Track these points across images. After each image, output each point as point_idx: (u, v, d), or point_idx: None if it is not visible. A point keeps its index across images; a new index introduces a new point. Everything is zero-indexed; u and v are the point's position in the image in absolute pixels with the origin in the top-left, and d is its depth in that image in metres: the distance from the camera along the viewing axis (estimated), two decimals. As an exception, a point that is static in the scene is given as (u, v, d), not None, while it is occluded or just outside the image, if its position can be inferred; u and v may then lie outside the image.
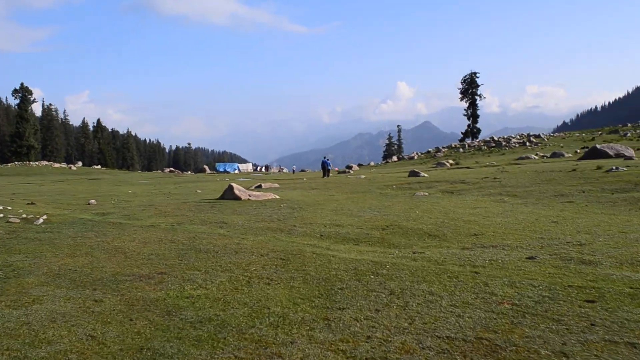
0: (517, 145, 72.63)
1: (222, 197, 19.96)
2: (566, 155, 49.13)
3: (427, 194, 20.28)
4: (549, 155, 52.27)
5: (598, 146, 39.91)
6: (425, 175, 31.02)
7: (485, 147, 76.84)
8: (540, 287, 6.30)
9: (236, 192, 19.35)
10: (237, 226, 11.99)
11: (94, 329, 5.06)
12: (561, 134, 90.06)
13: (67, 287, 6.69)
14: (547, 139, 77.07)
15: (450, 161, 57.24)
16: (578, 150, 52.65)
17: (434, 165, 53.47)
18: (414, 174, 31.55)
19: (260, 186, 28.24)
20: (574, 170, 24.91)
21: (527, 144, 72.66)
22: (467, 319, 5.26)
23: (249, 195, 19.44)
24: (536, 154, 54.36)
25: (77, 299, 6.13)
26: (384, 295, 6.16)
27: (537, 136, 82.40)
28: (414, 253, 8.58)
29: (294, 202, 18.05)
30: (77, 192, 30.86)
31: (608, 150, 38.17)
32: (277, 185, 29.04)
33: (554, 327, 4.95)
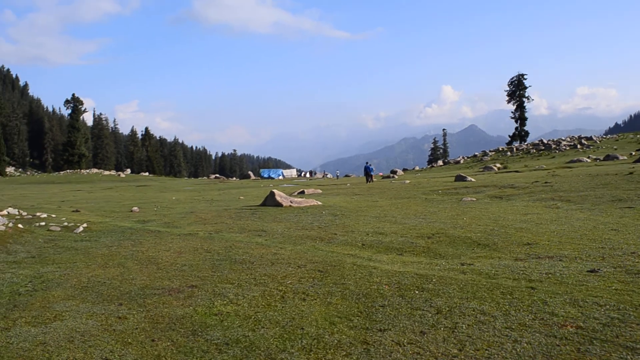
0: (567, 148, 70.21)
1: (263, 204, 19.64)
2: (620, 157, 46.97)
3: (474, 199, 19.43)
4: (602, 158, 50.14)
5: (657, 148, 37.89)
6: (472, 179, 30.03)
7: (534, 150, 74.58)
8: (607, 307, 5.57)
9: (277, 198, 18.99)
10: (276, 234, 11.58)
11: (112, 351, 4.69)
12: (614, 135, 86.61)
13: (93, 301, 6.39)
14: (600, 141, 74.14)
15: (498, 165, 55.66)
16: (633, 153, 50.41)
17: (481, 169, 52.06)
18: (460, 178, 30.59)
19: (302, 192, 27.88)
20: (630, 173, 23.53)
21: (578, 146, 70.14)
22: (525, 345, 4.63)
23: (291, 202, 19.05)
24: (588, 157, 52.29)
25: (100, 315, 5.80)
26: (430, 315, 5.57)
27: (589, 138, 79.42)
28: (462, 265, 7.94)
29: (336, 208, 17.55)
30: (123, 199, 31.21)
31: (668, 152, 36.20)
32: (319, 191, 28.61)
33: (629, 357, 4.27)
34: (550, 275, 7.04)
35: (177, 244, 10.60)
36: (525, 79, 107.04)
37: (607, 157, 48.35)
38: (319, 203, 19.45)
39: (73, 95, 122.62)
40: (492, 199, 19.31)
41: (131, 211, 19.32)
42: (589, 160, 48.71)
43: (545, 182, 23.38)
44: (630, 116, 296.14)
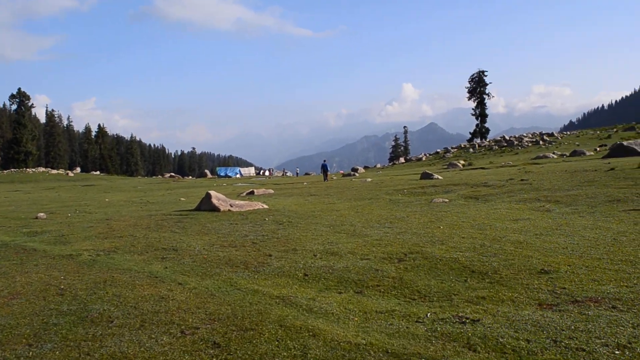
0: (529, 145, 69.05)
1: (198, 208, 16.43)
2: (587, 153, 45.47)
3: (447, 200, 16.62)
4: (568, 153, 48.63)
5: (625, 143, 36.24)
6: (439, 177, 27.39)
7: (497, 147, 73.24)
8: None
9: (214, 201, 15.80)
10: (187, 256, 8.38)
11: None
12: (575, 132, 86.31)
13: None
14: (561, 138, 73.43)
15: (462, 162, 53.56)
16: (598, 149, 49.36)
17: (445, 166, 49.87)
18: (426, 176, 27.90)
19: (252, 192, 24.75)
20: (612, 169, 21.23)
21: (541, 142, 69.14)
22: None
23: (230, 206, 15.88)
24: (553, 153, 50.68)
25: None
26: None
27: (550, 134, 78.68)
28: (461, 321, 4.86)
29: (283, 213, 14.51)
30: (52, 201, 27.55)
31: (637, 148, 34.50)
32: (271, 191, 25.48)
33: None
34: (625, 348, 4.08)
35: (32, 275, 7.32)
36: (486, 76, 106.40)
37: (574, 153, 46.87)
38: (265, 207, 16.34)
39: (19, 89, 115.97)
40: (467, 200, 16.55)
41: (36, 218, 15.87)
42: (555, 157, 47.14)
43: (522, 180, 20.85)
44: (584, 114, 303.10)
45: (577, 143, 62.02)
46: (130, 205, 21.72)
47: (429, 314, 5.09)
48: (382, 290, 6.13)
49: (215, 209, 15.50)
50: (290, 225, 11.87)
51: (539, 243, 8.58)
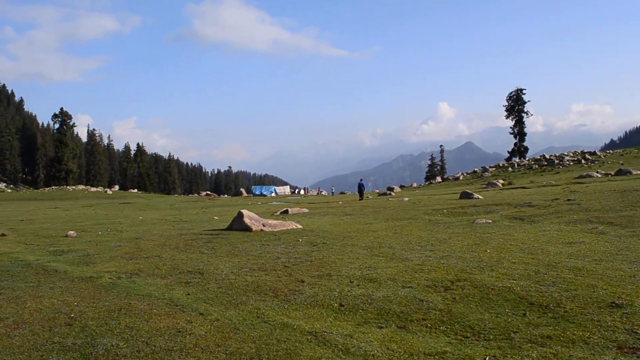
0: (571, 163, 66.84)
1: (229, 227, 15.92)
2: (634, 172, 43.58)
3: (490, 221, 15.68)
4: (613, 173, 46.70)
5: (678, 162, 34.47)
6: (479, 197, 26.30)
7: (537, 166, 71.14)
8: None
9: (246, 221, 15.25)
10: (213, 281, 7.74)
11: None
12: (618, 150, 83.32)
13: None
14: (604, 156, 70.91)
15: (501, 181, 52.01)
16: (644, 167, 47.41)
17: (484, 186, 48.45)
18: (466, 195, 26.85)
19: (286, 211, 24.20)
20: (668, 189, 19.95)
21: (582, 161, 66.81)
22: None
23: (263, 225, 15.30)
24: (597, 172, 48.76)
25: None
26: None
27: (593, 153, 76.13)
28: None
29: (318, 233, 13.84)
30: (83, 219, 27.52)
31: (691, 167, 32.72)
32: (305, 210, 24.86)
33: None
34: None
35: (44, 301, 6.79)
36: (524, 94, 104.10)
37: (620, 172, 44.96)
38: (299, 226, 15.70)
39: (61, 109, 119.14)
40: (512, 221, 15.57)
41: (66, 236, 15.59)
42: (599, 176, 45.26)
43: (568, 200, 19.70)
44: (626, 132, 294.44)
45: (621, 162, 59.82)
46: (162, 223, 21.39)
47: (487, 358, 4.31)
48: (429, 325, 5.36)
49: (247, 228, 14.95)
50: (325, 247, 11.18)
51: (601, 270, 7.68)
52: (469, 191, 28.48)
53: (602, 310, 5.57)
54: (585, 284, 6.72)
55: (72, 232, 16.16)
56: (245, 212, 15.79)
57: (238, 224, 15.46)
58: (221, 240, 12.77)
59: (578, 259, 8.75)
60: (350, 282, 7.41)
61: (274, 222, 16.00)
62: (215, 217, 23.90)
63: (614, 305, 5.70)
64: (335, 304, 6.21)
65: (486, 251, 9.97)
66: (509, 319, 5.46)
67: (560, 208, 17.38)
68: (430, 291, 6.69)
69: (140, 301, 6.55)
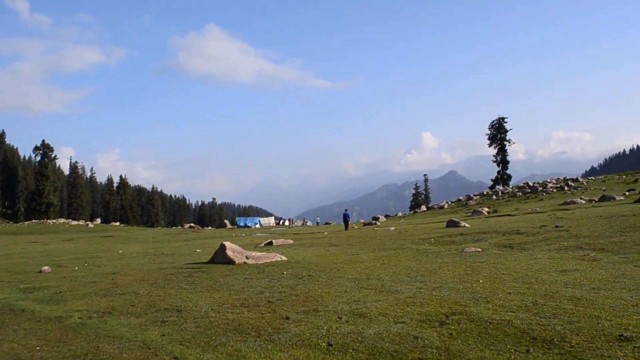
0: (554, 190, 67.07)
1: (211, 260, 15.36)
2: (617, 198, 43.69)
3: (479, 249, 15.31)
4: (596, 199, 46.80)
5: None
6: (466, 225, 25.99)
7: (521, 193, 71.31)
8: None
9: (229, 253, 14.71)
10: (192, 319, 7.22)
11: None
12: (600, 177, 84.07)
13: None
14: (586, 183, 71.36)
15: (486, 209, 51.86)
16: (627, 193, 47.52)
17: (470, 214, 48.29)
18: (452, 224, 26.53)
19: (271, 243, 23.65)
20: (654, 215, 19.81)
21: (565, 188, 67.11)
22: None
23: (246, 258, 14.78)
24: (580, 198, 48.85)
25: None
26: None
27: (575, 180, 76.63)
28: None
29: (303, 265, 13.35)
30: (61, 253, 26.67)
31: (672, 192, 32.82)
32: (290, 241, 24.32)
33: None
34: None
35: (3, 345, 6.22)
36: (506, 122, 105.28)
37: (603, 198, 45.04)
38: (284, 258, 15.19)
39: (43, 142, 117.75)
40: (502, 249, 15.22)
41: (40, 272, 14.90)
42: (583, 202, 45.32)
43: (556, 226, 19.46)
44: (605, 159, 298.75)
45: (603, 188, 60.20)
46: (143, 257, 20.73)
47: (494, 405, 3.89)
48: (427, 367, 4.92)
49: (230, 261, 14.41)
50: (311, 280, 10.70)
51: (601, 299, 7.31)
52: (456, 219, 28.19)
53: (610, 344, 5.18)
54: (588, 315, 6.33)
55: (46, 267, 15.47)
56: (227, 244, 15.26)
57: (220, 257, 14.92)
58: (202, 274, 12.22)
59: (575, 288, 8.39)
60: (339, 318, 6.94)
61: (258, 254, 15.48)
62: (198, 250, 23.28)
63: (622, 338, 5.31)
64: (323, 344, 5.73)
65: (479, 281, 9.57)
66: (512, 357, 5.04)
67: (549, 235, 17.11)
68: (425, 326, 6.24)
69: (110, 344, 6.01)
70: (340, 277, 10.93)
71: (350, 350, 5.47)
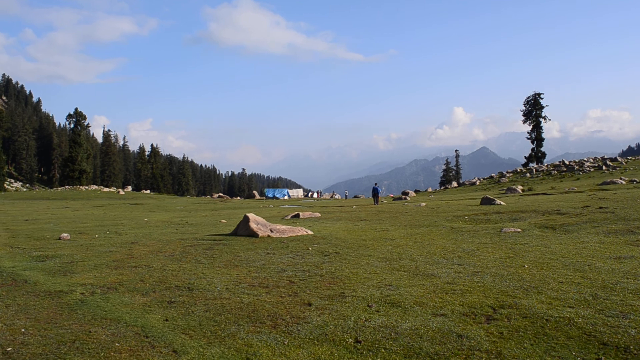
0: (591, 170, 64.75)
1: (234, 233, 14.66)
2: (662, 179, 41.77)
3: (519, 230, 14.23)
4: (638, 180, 44.86)
5: None
6: (502, 203, 24.79)
7: (556, 172, 69.12)
8: None
9: (252, 225, 13.98)
10: (202, 301, 6.43)
11: None
12: None
13: None
14: (626, 163, 68.76)
15: (521, 187, 50.24)
16: (672, 175, 45.46)
17: (503, 191, 46.81)
18: (487, 201, 25.35)
19: (297, 215, 22.89)
20: None
21: (604, 167, 64.72)
22: None
23: (271, 231, 14.02)
24: (620, 179, 46.90)
25: None
26: None
27: (613, 159, 73.89)
28: None
29: (330, 241, 12.52)
30: (88, 219, 26.44)
31: None
32: (318, 214, 23.52)
33: None
34: None
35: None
36: (542, 99, 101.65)
37: (647, 179, 43.13)
38: (310, 233, 14.39)
39: (76, 109, 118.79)
40: (543, 230, 14.13)
41: (59, 239, 14.43)
42: (623, 182, 43.46)
43: (600, 207, 18.19)
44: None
45: (644, 168, 57.93)
46: (166, 226, 20.22)
47: None
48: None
49: (253, 234, 13.68)
50: (338, 258, 9.86)
51: (673, 294, 6.29)
52: (491, 197, 26.98)
53: (703, 356, 4.21)
54: (662, 315, 5.34)
55: (65, 234, 14.99)
56: (251, 216, 14.51)
57: (243, 229, 14.20)
58: (222, 248, 11.50)
59: (638, 279, 7.36)
60: (368, 306, 6.07)
61: (283, 227, 14.71)
62: (223, 221, 22.68)
63: None
64: (350, 339, 4.87)
65: (524, 266, 8.60)
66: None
67: (593, 217, 15.92)
68: (469, 322, 5.34)
69: (104, 328, 5.27)
70: (370, 256, 10.06)
71: (382, 350, 4.58)
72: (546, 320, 5.31)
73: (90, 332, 5.16)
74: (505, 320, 5.37)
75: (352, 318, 5.56)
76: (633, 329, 4.92)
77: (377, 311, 5.84)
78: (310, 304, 6.18)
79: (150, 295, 6.82)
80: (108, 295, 6.80)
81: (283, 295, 6.71)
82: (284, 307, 6.06)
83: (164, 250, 11.31)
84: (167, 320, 5.60)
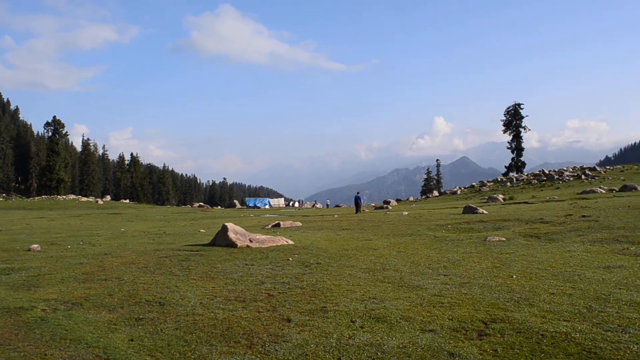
0: (570, 179, 65.33)
1: (212, 243, 14.19)
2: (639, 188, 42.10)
3: (504, 239, 13.96)
4: (617, 189, 45.20)
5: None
6: (484, 211, 24.62)
7: (536, 181, 69.62)
8: None
9: (231, 236, 13.52)
10: (172, 317, 5.96)
11: None
12: (618, 166, 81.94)
13: None
14: (604, 172, 69.56)
15: (502, 196, 50.32)
16: (649, 184, 45.98)
17: (485, 200, 46.86)
18: (469, 210, 25.16)
19: (278, 225, 22.45)
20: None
21: (582, 176, 65.36)
22: None
23: (250, 241, 13.58)
24: (600, 188, 47.25)
25: None
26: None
27: (592, 169, 74.67)
28: None
29: (311, 251, 12.12)
30: (62, 230, 25.68)
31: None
32: (299, 223, 23.09)
33: None
34: None
35: None
36: (522, 109, 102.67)
37: (625, 188, 43.43)
38: (290, 242, 13.98)
39: (54, 117, 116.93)
40: (528, 239, 13.88)
41: (29, 250, 13.82)
42: (603, 191, 43.78)
43: (583, 216, 18.06)
44: (621, 149, 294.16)
45: (622, 178, 58.52)
46: (142, 236, 19.63)
47: None
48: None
49: (231, 244, 13.23)
50: (319, 269, 9.46)
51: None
52: (473, 205, 26.81)
53: None
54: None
55: (36, 245, 14.37)
56: (230, 225, 14.06)
57: (222, 239, 13.74)
58: (199, 259, 11.03)
59: (630, 289, 7.08)
60: (352, 321, 5.66)
61: (263, 237, 14.27)
62: (202, 230, 22.15)
63: None
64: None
65: (512, 277, 8.29)
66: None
67: (577, 225, 15.75)
68: (460, 338, 4.97)
69: (62, 350, 4.79)
70: (352, 267, 9.68)
71: (368, 374, 4.21)
72: (542, 335, 4.96)
73: (45, 355, 4.68)
74: (499, 335, 5.01)
75: (335, 335, 5.15)
76: (635, 345, 4.60)
77: (362, 327, 5.44)
78: (289, 320, 5.75)
79: (118, 311, 6.33)
80: (72, 312, 6.29)
81: (261, 310, 6.27)
82: (261, 324, 5.62)
83: (138, 262, 10.80)
84: (132, 340, 5.12)
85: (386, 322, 5.58)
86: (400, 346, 4.77)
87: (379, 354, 4.59)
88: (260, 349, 4.80)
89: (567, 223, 16.46)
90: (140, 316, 6.06)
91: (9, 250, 14.00)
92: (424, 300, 6.63)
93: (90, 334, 5.34)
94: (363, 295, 7.07)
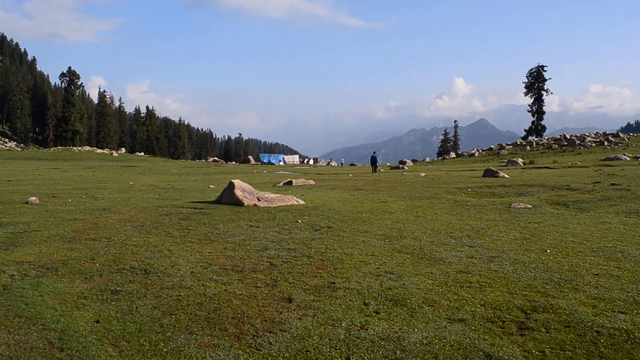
0: (593, 145, 63.72)
1: (218, 200, 13.36)
2: (670, 157, 40.73)
3: (529, 206, 12.93)
4: (643, 156, 43.85)
5: None
6: (505, 175, 23.56)
7: (557, 146, 67.95)
8: None
9: (237, 193, 12.67)
10: (155, 290, 5.09)
11: None
12: (643, 133, 79.87)
13: None
14: (628, 139, 67.84)
15: (521, 159, 49.00)
16: (679, 152, 44.51)
17: (504, 164, 45.66)
18: (490, 173, 24.09)
19: (290, 182, 21.59)
20: None
21: (605, 143, 63.76)
22: None
23: (258, 199, 12.73)
24: (624, 154, 45.75)
25: None
26: None
27: (615, 135, 72.82)
28: None
29: (322, 212, 11.25)
30: (71, 181, 25.12)
31: None
32: (312, 182, 22.21)
33: None
34: None
35: None
36: (545, 71, 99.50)
37: (650, 155, 42.05)
38: (301, 202, 13.11)
39: (69, 68, 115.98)
40: (556, 207, 12.85)
41: (26, 203, 13.12)
42: (628, 159, 42.44)
43: (612, 184, 16.95)
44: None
45: (647, 145, 57.02)
46: (149, 191, 18.91)
47: None
48: None
49: (238, 202, 12.39)
50: (330, 234, 8.59)
51: None
52: (493, 169, 25.72)
53: None
54: None
55: (34, 198, 13.66)
56: (237, 182, 13.19)
57: (228, 197, 12.90)
58: (201, 218, 10.21)
59: (687, 272, 6.11)
60: (365, 303, 4.76)
61: (272, 195, 13.40)
62: (211, 186, 21.39)
63: None
64: (343, 353, 3.60)
65: (546, 251, 7.34)
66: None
67: (607, 194, 14.67)
68: (497, 332, 4.07)
69: (10, 333, 3.94)
70: (366, 232, 8.80)
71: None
72: (597, 332, 4.05)
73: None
74: (543, 330, 4.10)
75: (344, 323, 4.25)
76: None
77: (376, 312, 4.54)
78: (290, 300, 4.87)
79: (95, 280, 5.50)
80: (41, 280, 5.47)
81: (259, 284, 5.41)
82: (256, 304, 4.73)
83: (135, 220, 10.02)
84: (98, 322, 4.25)
85: (406, 307, 4.67)
86: (424, 342, 3.86)
87: (397, 352, 3.68)
88: (250, 341, 3.90)
89: (595, 191, 15.40)
90: (118, 288, 5.21)
91: (5, 203, 13.31)
92: (449, 277, 5.73)
93: (52, 311, 4.50)
94: (378, 268, 6.19)
